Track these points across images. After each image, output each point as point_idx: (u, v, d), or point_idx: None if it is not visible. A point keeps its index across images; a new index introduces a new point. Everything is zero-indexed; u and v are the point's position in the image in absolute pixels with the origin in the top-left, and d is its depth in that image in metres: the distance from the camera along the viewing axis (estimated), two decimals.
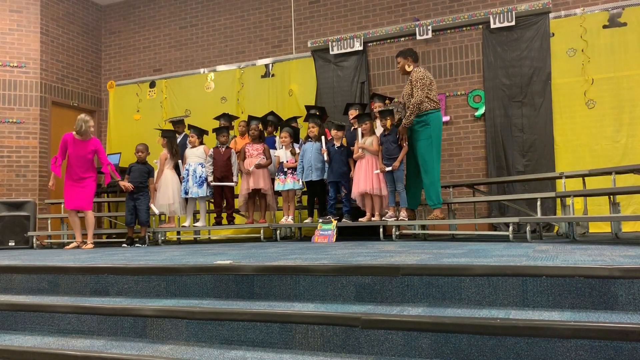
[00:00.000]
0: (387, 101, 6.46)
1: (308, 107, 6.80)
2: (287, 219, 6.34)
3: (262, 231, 6.27)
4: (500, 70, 6.89)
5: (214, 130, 6.92)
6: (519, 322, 1.98)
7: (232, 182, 6.62)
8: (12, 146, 8.08)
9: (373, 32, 7.57)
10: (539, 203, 5.09)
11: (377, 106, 6.37)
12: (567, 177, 5.38)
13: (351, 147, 6.14)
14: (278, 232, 6.27)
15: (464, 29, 7.17)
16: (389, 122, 5.75)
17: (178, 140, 7.28)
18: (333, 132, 6.22)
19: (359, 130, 5.96)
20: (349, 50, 7.64)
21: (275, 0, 8.37)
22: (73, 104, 8.95)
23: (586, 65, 6.52)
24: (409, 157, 5.70)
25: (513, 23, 6.79)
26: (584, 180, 5.22)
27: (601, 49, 6.47)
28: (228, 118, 7.26)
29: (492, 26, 6.91)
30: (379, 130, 6.09)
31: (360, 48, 7.57)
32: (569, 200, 5.15)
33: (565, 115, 6.59)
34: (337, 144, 6.08)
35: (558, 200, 5.64)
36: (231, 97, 8.44)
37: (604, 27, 6.48)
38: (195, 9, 8.95)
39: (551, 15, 6.71)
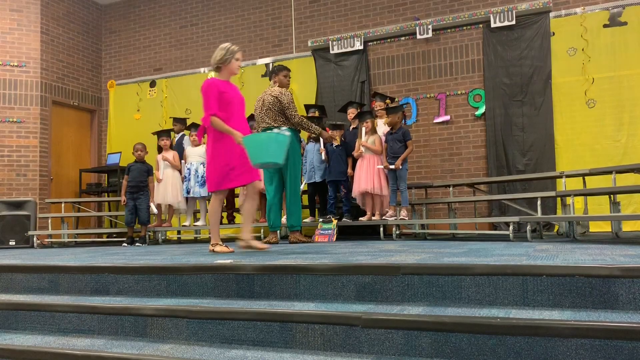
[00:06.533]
0: (387, 100, 6.45)
1: (307, 107, 6.79)
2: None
3: (262, 230, 6.27)
4: (501, 70, 6.89)
5: None
6: (519, 322, 1.97)
7: None
8: (13, 145, 8.07)
9: (373, 31, 7.57)
10: (539, 202, 5.09)
11: (378, 105, 6.36)
12: (567, 176, 5.38)
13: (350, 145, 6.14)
14: (278, 231, 6.25)
15: (464, 28, 7.16)
16: (392, 119, 5.77)
17: (175, 139, 7.34)
18: (330, 132, 6.21)
19: (363, 128, 5.94)
20: (349, 49, 7.63)
21: None
22: (73, 103, 8.95)
23: (586, 64, 6.51)
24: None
25: (513, 22, 6.79)
26: (584, 179, 5.22)
27: (601, 48, 6.47)
28: None
29: (493, 25, 6.90)
30: (379, 128, 6.09)
31: (361, 47, 7.57)
32: (569, 200, 5.15)
33: (566, 114, 6.58)
34: (336, 143, 6.09)
35: (558, 199, 5.64)
36: None
37: (605, 26, 6.48)
38: (195, 8, 8.94)
39: (551, 14, 6.70)
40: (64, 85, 8.75)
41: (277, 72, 5.30)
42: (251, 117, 6.39)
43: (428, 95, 7.28)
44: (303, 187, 6.44)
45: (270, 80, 5.39)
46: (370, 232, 6.44)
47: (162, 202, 6.69)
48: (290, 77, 5.37)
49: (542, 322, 1.95)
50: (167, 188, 6.67)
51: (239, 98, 4.12)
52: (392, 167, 5.67)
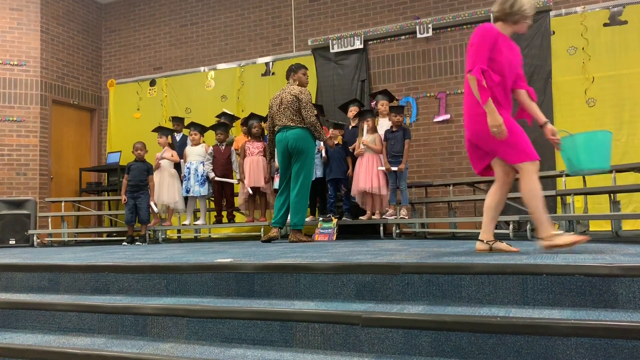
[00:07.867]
0: (395, 101, 6.46)
1: None
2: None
3: (262, 229, 6.27)
4: None
5: (212, 127, 6.95)
6: (519, 320, 1.98)
7: (233, 180, 6.65)
8: (13, 144, 8.07)
9: (373, 30, 7.56)
10: None
11: (383, 104, 6.34)
12: (567, 175, 5.38)
13: (350, 148, 6.13)
14: (279, 227, 6.26)
15: (465, 27, 7.15)
16: (400, 119, 5.78)
17: (177, 138, 7.33)
18: (331, 131, 6.21)
19: (366, 126, 5.93)
20: (349, 48, 7.63)
21: None
22: (73, 102, 8.95)
23: (587, 63, 6.51)
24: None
25: None
26: (584, 178, 5.22)
27: (602, 47, 6.46)
28: (229, 118, 7.27)
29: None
30: (380, 128, 6.09)
31: (361, 46, 7.56)
32: (569, 199, 5.16)
33: (566, 113, 6.58)
34: (336, 142, 6.08)
35: (558, 198, 5.64)
36: (231, 96, 8.43)
37: (605, 25, 6.47)
38: (195, 7, 8.94)
39: (552, 13, 6.70)
40: (63, 84, 8.75)
41: (295, 70, 5.26)
42: (263, 119, 6.40)
43: (428, 94, 7.28)
44: None
45: (287, 79, 5.35)
46: (370, 231, 6.44)
47: (157, 201, 6.69)
48: (308, 75, 5.38)
49: (542, 321, 1.95)
50: (162, 188, 6.69)
51: (517, 61, 3.14)
52: (394, 169, 5.68)
